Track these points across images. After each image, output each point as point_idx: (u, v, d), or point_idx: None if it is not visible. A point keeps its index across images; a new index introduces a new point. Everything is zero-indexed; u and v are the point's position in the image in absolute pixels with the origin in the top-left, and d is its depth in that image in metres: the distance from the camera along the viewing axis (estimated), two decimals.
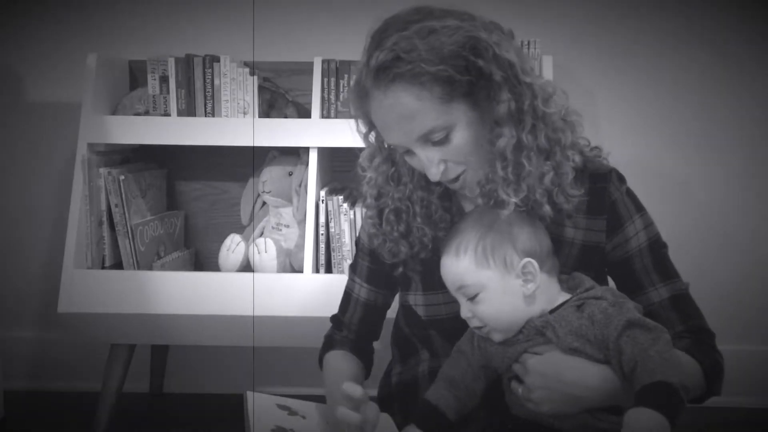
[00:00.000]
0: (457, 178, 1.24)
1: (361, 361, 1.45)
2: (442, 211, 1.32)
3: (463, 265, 1.18)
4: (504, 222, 1.19)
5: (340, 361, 1.43)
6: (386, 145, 1.30)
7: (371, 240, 1.37)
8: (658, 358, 1.07)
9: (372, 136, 1.31)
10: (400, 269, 1.37)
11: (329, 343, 1.47)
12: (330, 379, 1.39)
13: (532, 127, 1.20)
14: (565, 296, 1.21)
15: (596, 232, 1.29)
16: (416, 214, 1.31)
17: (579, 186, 1.25)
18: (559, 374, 1.14)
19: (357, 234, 1.54)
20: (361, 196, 1.40)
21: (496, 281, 1.17)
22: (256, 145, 2.01)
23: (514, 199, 1.19)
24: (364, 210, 1.41)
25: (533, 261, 1.17)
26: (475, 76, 1.16)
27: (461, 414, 1.24)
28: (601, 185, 1.28)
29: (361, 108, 1.25)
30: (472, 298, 1.18)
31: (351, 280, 1.47)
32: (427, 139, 1.19)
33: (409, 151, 1.23)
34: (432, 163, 1.21)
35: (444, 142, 1.20)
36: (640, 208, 1.30)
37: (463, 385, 1.24)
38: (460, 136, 1.19)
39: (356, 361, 1.44)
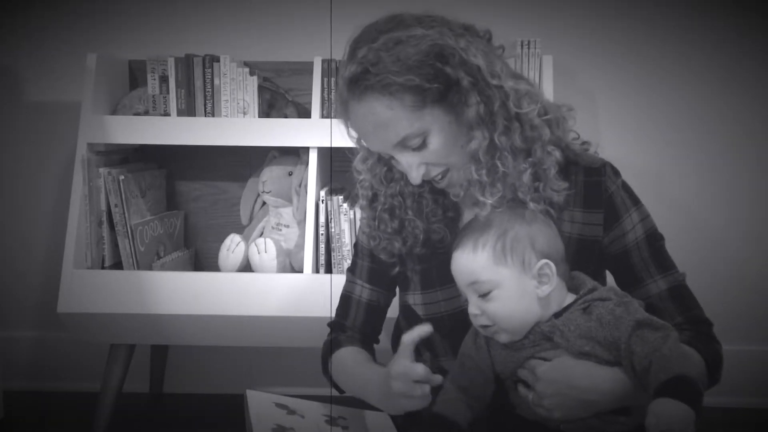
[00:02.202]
0: (442, 178, 1.26)
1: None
2: (434, 204, 1.34)
3: (480, 261, 1.17)
4: (525, 222, 1.19)
5: (355, 353, 1.41)
6: None
7: (369, 241, 1.38)
8: (671, 355, 1.07)
9: (363, 140, 1.32)
10: (397, 269, 1.38)
11: (336, 345, 1.45)
12: (351, 367, 1.37)
13: (505, 128, 1.21)
14: (570, 298, 1.20)
15: (593, 226, 1.29)
16: (408, 208, 1.33)
17: (568, 178, 1.27)
18: (571, 381, 1.14)
19: (356, 235, 1.54)
20: (357, 197, 1.41)
21: (512, 280, 1.17)
22: (256, 145, 2.01)
23: (489, 201, 1.21)
24: (361, 214, 1.42)
25: (550, 263, 1.17)
26: (444, 83, 1.18)
27: (473, 422, 1.24)
28: (596, 179, 1.29)
29: (343, 117, 1.27)
30: (484, 295, 1.17)
31: (350, 282, 1.47)
32: (404, 146, 1.22)
33: (391, 157, 1.26)
34: (412, 167, 1.24)
35: (422, 147, 1.22)
36: (636, 201, 1.31)
37: (474, 391, 1.24)
38: (437, 141, 1.21)
39: (369, 355, 1.42)
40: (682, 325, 1.26)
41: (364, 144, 1.32)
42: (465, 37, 1.21)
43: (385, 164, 1.34)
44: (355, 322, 1.46)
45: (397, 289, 1.47)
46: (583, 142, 1.33)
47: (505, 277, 1.17)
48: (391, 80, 1.16)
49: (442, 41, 1.18)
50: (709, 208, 2.34)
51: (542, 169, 1.24)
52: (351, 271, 1.48)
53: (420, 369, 1.16)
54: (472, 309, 1.19)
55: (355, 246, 1.48)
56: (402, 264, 1.39)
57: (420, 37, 1.18)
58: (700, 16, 2.29)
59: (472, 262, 1.18)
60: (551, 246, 1.19)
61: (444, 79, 1.18)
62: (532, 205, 1.23)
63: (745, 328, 2.32)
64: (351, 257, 1.51)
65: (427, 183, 1.32)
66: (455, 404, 1.23)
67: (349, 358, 1.41)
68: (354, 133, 1.31)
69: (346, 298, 1.48)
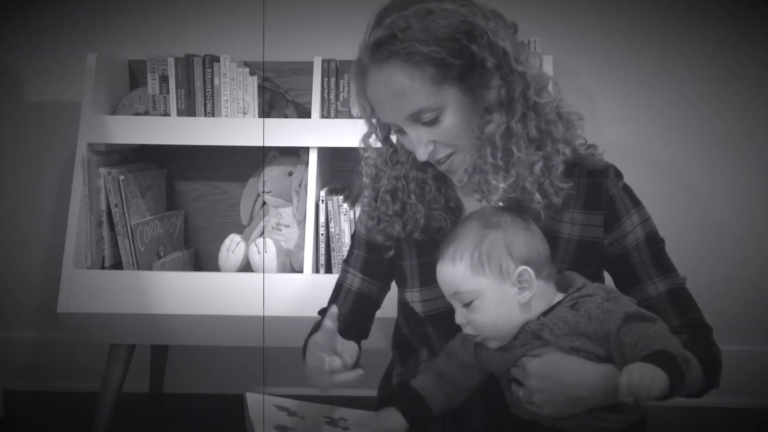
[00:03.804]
0: (445, 160, 1.26)
1: None
2: (436, 191, 1.34)
3: (459, 272, 1.18)
4: (500, 229, 1.19)
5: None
6: (386, 127, 1.32)
7: (367, 221, 1.38)
8: (656, 336, 1.08)
9: (374, 118, 1.33)
10: (392, 252, 1.38)
11: (315, 329, 1.43)
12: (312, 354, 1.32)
13: (522, 116, 1.22)
14: (559, 296, 1.21)
15: (594, 227, 1.29)
16: (410, 192, 1.33)
17: (572, 179, 1.27)
18: (560, 376, 1.14)
19: (354, 225, 1.54)
20: (359, 188, 1.41)
21: (492, 288, 1.17)
22: (256, 145, 2.01)
23: (503, 185, 1.21)
24: (362, 192, 1.41)
25: (529, 269, 1.17)
26: (468, 61, 1.18)
27: (445, 410, 1.25)
28: (599, 181, 1.29)
29: (360, 85, 1.27)
30: (467, 305, 1.18)
31: (344, 271, 1.48)
32: (417, 119, 1.22)
33: (400, 130, 1.26)
34: (420, 142, 1.23)
35: (434, 123, 1.22)
36: (637, 203, 1.31)
37: (452, 381, 1.25)
38: (450, 119, 1.21)
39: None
40: (680, 328, 1.26)
41: (374, 121, 1.32)
42: (493, 20, 1.22)
43: (391, 145, 1.34)
44: (342, 309, 1.45)
45: (396, 287, 1.47)
46: (589, 146, 1.33)
47: (485, 287, 1.17)
48: (416, 49, 1.16)
49: (473, 19, 1.18)
50: (709, 207, 2.34)
51: (550, 165, 1.24)
52: (346, 260, 1.48)
53: (330, 343, 1.19)
54: (459, 319, 1.20)
55: (353, 236, 1.49)
56: (399, 255, 1.40)
57: (451, 12, 1.18)
58: (700, 16, 2.29)
59: (452, 273, 1.19)
60: (531, 250, 1.19)
61: (469, 57, 1.18)
62: (537, 195, 1.23)
63: (745, 328, 2.32)
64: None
65: (431, 168, 1.32)
66: (431, 387, 1.25)
67: (315, 341, 1.36)
68: (366, 109, 1.31)
69: (337, 286, 1.49)
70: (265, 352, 2.38)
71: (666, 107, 2.33)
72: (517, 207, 1.24)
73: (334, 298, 1.48)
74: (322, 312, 1.49)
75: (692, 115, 2.32)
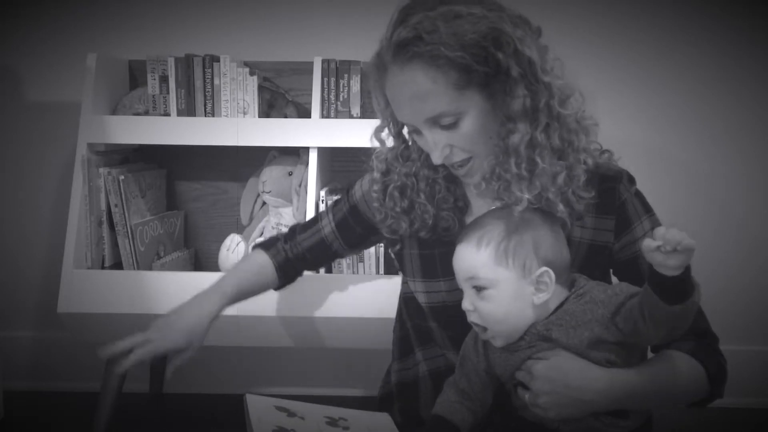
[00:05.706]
0: (462, 165, 1.25)
1: (280, 275, 1.54)
2: (446, 191, 1.33)
3: (481, 257, 1.17)
4: (530, 226, 1.18)
5: (253, 263, 1.53)
6: (400, 122, 1.32)
7: (370, 201, 1.41)
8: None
9: (388, 112, 1.31)
10: (398, 247, 1.40)
11: (267, 244, 1.55)
12: (228, 273, 1.53)
13: (546, 126, 1.20)
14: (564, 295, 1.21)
15: (604, 231, 1.29)
16: (420, 191, 1.33)
17: (590, 188, 1.26)
18: (566, 379, 1.13)
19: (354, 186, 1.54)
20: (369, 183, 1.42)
21: (510, 283, 1.16)
22: (256, 145, 2.01)
23: (527, 196, 1.20)
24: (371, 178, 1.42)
25: (551, 271, 1.16)
26: (493, 68, 1.17)
27: (474, 426, 1.24)
28: (611, 186, 1.29)
29: (378, 81, 1.25)
30: (479, 291, 1.17)
31: (325, 213, 1.53)
32: (435, 122, 1.21)
33: (417, 130, 1.25)
34: (437, 146, 1.22)
35: (452, 128, 1.20)
36: (648, 209, 1.31)
37: (474, 396, 1.24)
38: (470, 125, 1.20)
39: (268, 275, 1.53)
40: (687, 336, 1.25)
41: (389, 115, 1.31)
42: (521, 28, 1.20)
43: (403, 141, 1.33)
44: (303, 243, 1.53)
45: (396, 286, 1.47)
46: (603, 152, 1.32)
47: (503, 279, 1.16)
48: (441, 52, 1.14)
49: (501, 26, 1.16)
50: (708, 207, 2.34)
51: (572, 175, 1.23)
52: (334, 203, 1.52)
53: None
54: (466, 304, 1.19)
55: (347, 191, 1.51)
56: (401, 244, 1.40)
57: (479, 17, 1.16)
58: (700, 17, 2.29)
59: (474, 258, 1.18)
60: (555, 254, 1.18)
61: (494, 64, 1.16)
62: (561, 206, 1.22)
63: (745, 328, 2.32)
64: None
65: (443, 169, 1.31)
66: (455, 407, 1.24)
67: (243, 261, 1.56)
68: (381, 103, 1.30)
69: (314, 220, 1.55)
70: (261, 352, 2.38)
71: (667, 108, 2.32)
72: (546, 209, 1.24)
73: (306, 227, 1.54)
74: (291, 229, 1.57)
75: (692, 115, 2.32)
